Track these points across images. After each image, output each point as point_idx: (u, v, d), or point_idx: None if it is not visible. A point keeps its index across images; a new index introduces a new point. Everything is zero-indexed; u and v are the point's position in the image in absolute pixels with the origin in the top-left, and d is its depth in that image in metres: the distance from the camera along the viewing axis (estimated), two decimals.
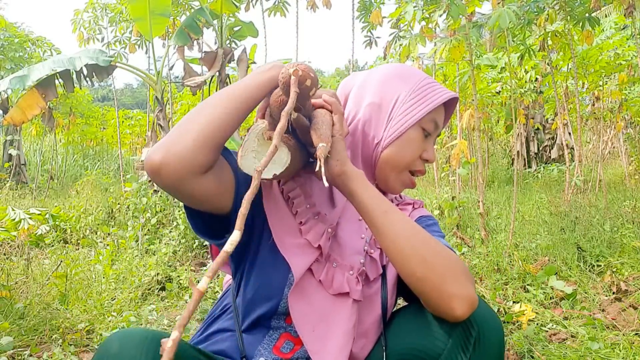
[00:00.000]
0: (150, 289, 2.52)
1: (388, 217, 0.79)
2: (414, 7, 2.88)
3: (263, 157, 0.71)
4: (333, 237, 0.90)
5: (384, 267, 0.92)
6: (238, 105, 0.77)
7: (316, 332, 0.84)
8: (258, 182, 0.56)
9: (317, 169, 0.71)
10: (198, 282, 0.47)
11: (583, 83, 5.32)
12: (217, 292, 2.44)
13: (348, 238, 0.90)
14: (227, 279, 1.07)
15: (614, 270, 2.45)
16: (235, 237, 0.49)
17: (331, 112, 0.83)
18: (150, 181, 3.67)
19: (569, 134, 5.89)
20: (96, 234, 3.99)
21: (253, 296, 0.88)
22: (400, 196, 1.05)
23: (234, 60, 3.54)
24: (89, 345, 1.83)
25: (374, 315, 0.88)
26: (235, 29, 3.82)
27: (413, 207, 1.03)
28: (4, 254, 2.79)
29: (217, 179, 0.78)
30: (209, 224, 0.85)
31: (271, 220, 0.86)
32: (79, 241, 3.84)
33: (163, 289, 2.54)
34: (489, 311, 0.80)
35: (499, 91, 6.35)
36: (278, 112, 0.83)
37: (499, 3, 2.83)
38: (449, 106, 0.99)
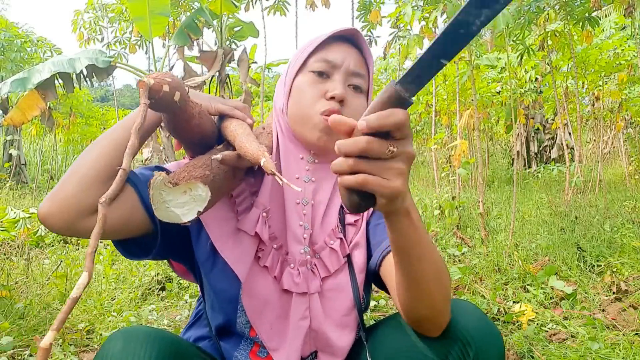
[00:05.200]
0: (150, 289, 2.52)
1: (427, 247, 0.66)
2: (413, 7, 2.88)
3: (177, 202, 0.68)
4: (278, 222, 0.86)
5: (349, 256, 0.88)
6: (120, 141, 0.73)
7: (274, 330, 0.83)
8: (100, 227, 0.52)
9: (282, 184, 0.65)
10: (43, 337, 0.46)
11: (583, 83, 5.33)
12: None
13: (290, 223, 0.86)
14: None
15: (614, 270, 2.45)
16: (83, 280, 0.45)
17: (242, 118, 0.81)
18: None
19: (569, 134, 5.90)
20: None
21: (212, 305, 0.88)
22: None
23: (234, 60, 3.54)
24: (89, 345, 1.83)
25: (345, 306, 0.85)
26: (236, 29, 3.82)
27: None
28: (4, 254, 2.79)
29: (119, 208, 0.73)
30: (138, 244, 0.81)
31: (206, 222, 0.83)
32: (79, 241, 3.84)
33: (163, 289, 2.54)
34: (488, 326, 0.75)
35: (499, 91, 6.35)
36: (190, 140, 0.79)
37: None
38: (358, 44, 0.91)
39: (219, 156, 0.70)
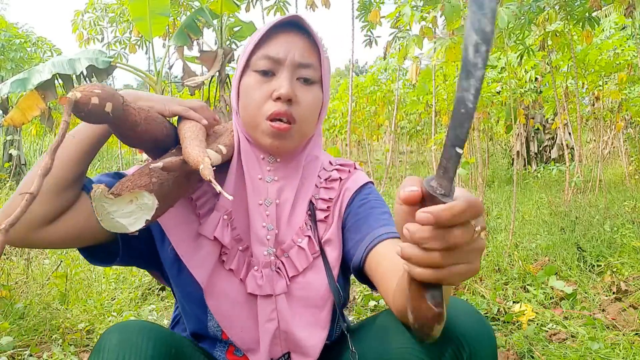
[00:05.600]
0: (150, 289, 2.52)
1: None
2: (412, 7, 2.88)
3: (123, 212, 0.67)
4: (243, 223, 0.84)
5: (323, 252, 0.85)
6: (64, 153, 0.72)
7: (245, 332, 0.82)
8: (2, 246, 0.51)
9: (218, 191, 0.64)
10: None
11: (583, 83, 5.33)
12: None
13: (252, 225, 0.83)
14: None
15: (614, 270, 2.45)
16: None
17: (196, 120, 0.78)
18: None
19: (569, 134, 5.89)
20: None
21: (184, 309, 0.87)
22: (331, 162, 0.93)
23: (234, 60, 3.54)
24: (89, 345, 1.83)
25: (315, 304, 0.83)
26: (236, 29, 3.82)
27: (351, 169, 0.93)
28: (4, 254, 2.79)
29: (74, 218, 0.74)
30: (104, 249, 0.81)
31: (167, 226, 0.82)
32: None
33: (163, 289, 2.54)
34: (483, 327, 0.71)
35: (499, 91, 6.35)
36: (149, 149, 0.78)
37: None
38: (304, 29, 0.84)
39: (159, 164, 0.67)
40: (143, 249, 0.84)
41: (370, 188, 0.91)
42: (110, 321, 2.02)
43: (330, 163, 0.93)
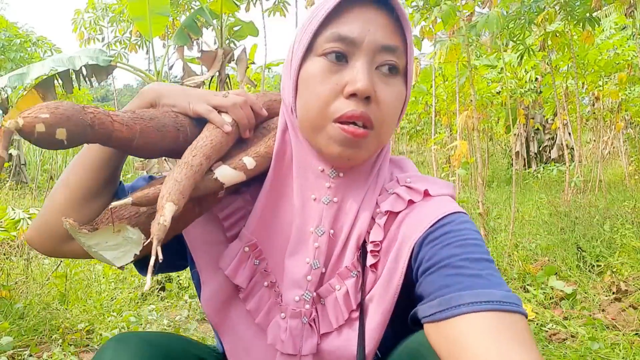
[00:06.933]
0: (150, 289, 2.52)
1: None
2: (413, 8, 2.89)
3: (107, 245, 0.59)
4: (277, 253, 0.67)
5: (362, 311, 0.64)
6: (86, 163, 0.66)
7: None
8: None
9: (154, 259, 0.49)
10: None
11: (583, 83, 5.34)
12: None
13: (289, 260, 0.66)
14: None
15: (614, 270, 2.45)
16: None
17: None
18: None
19: (569, 134, 5.90)
20: None
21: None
22: (398, 181, 0.67)
23: (234, 60, 3.54)
24: (89, 345, 1.83)
25: None
26: (235, 28, 3.82)
27: (418, 197, 0.64)
28: (4, 254, 2.79)
29: None
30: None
31: (194, 247, 0.70)
32: None
33: (163, 289, 2.54)
34: None
35: (499, 91, 6.36)
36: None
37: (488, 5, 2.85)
38: (387, 1, 0.61)
39: (128, 200, 0.54)
40: (177, 262, 0.76)
41: (448, 225, 0.60)
42: (110, 321, 2.02)
43: (398, 181, 0.67)
